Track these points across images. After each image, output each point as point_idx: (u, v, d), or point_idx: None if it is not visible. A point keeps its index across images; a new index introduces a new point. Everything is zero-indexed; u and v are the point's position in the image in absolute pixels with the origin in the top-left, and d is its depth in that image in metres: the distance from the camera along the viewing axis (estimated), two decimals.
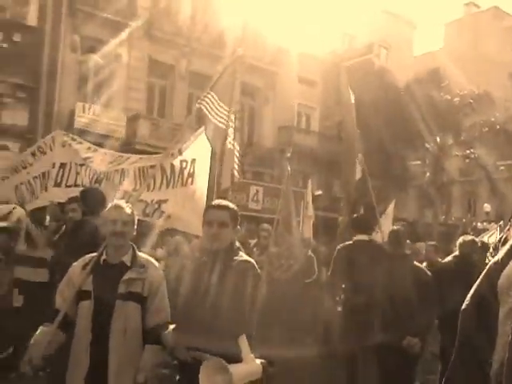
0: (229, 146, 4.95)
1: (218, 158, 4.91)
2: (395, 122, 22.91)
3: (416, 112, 22.61)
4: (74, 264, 3.47)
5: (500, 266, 1.27)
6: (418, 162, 26.42)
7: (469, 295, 1.39)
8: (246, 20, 22.05)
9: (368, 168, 7.17)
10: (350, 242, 5.81)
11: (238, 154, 5.21)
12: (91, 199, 4.75)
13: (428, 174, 26.14)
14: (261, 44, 22.70)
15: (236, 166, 5.19)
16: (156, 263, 3.60)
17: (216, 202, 3.31)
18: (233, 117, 5.02)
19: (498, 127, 23.31)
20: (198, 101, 4.76)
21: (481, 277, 1.37)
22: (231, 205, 3.21)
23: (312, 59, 24.56)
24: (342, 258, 5.71)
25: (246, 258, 3.13)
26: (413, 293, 4.67)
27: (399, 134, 22.92)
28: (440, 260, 6.76)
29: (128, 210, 3.47)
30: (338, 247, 5.90)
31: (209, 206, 3.29)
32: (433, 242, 7.78)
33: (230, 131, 5.02)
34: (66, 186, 5.94)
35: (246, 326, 2.90)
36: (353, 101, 7.29)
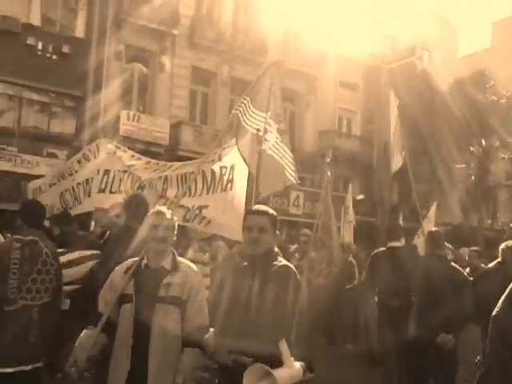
0: (269, 151, 4.98)
1: (251, 164, 4.93)
2: (439, 125, 22.49)
3: (461, 114, 22.12)
4: (117, 268, 3.58)
5: None
6: (463, 165, 25.82)
7: (500, 301, 1.39)
8: (287, 25, 22.12)
9: (412, 172, 7.10)
10: (384, 249, 6.02)
11: (289, 158, 5.22)
12: (134, 205, 4.86)
13: (473, 177, 25.52)
14: (302, 49, 22.71)
15: (289, 170, 5.21)
16: (195, 268, 3.67)
17: (255, 207, 3.35)
18: (272, 121, 5.05)
19: None
20: (235, 107, 4.83)
21: (510, 286, 1.37)
22: (270, 210, 3.25)
23: (353, 62, 24.39)
24: (375, 263, 5.86)
25: (285, 262, 3.16)
26: (447, 292, 4.83)
27: (443, 136, 22.49)
28: (483, 266, 6.62)
29: (169, 216, 3.56)
30: (373, 253, 6.07)
31: (248, 212, 3.34)
32: (476, 248, 7.61)
33: (271, 136, 5.05)
34: (110, 192, 6.09)
35: (286, 331, 2.92)
36: (396, 102, 7.24)
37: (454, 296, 4.85)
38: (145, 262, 3.52)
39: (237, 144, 4.93)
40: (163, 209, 3.67)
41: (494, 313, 1.36)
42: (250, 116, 4.85)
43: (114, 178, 6.16)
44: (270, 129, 5.00)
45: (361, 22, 24.30)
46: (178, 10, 20.65)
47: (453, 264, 5.39)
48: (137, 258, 3.56)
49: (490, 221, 26.01)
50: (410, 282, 5.20)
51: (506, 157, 25.44)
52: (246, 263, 3.20)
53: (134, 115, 19.50)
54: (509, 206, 29.24)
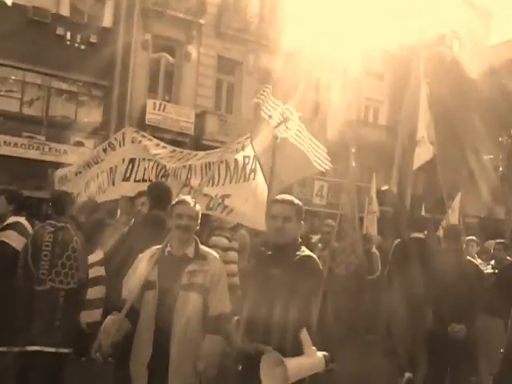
0: (291, 139, 4.98)
1: (268, 152, 4.94)
2: (469, 115, 22.11)
3: (491, 104, 21.69)
4: (140, 255, 3.64)
5: None
6: (492, 156, 25.36)
7: None
8: (313, 16, 21.93)
9: (440, 161, 7.03)
10: (405, 240, 6.11)
11: (316, 146, 5.23)
12: (158, 193, 4.93)
13: (501, 168, 25.05)
14: (328, 39, 22.50)
15: (318, 157, 5.22)
16: (217, 256, 3.72)
17: (281, 196, 3.33)
18: (293, 109, 5.04)
19: None
20: (257, 95, 4.85)
21: None
22: (296, 200, 3.25)
23: (381, 52, 24.09)
24: (396, 254, 5.96)
25: (308, 252, 3.17)
26: (460, 284, 5.07)
27: (473, 126, 22.11)
28: (509, 259, 6.54)
29: (193, 205, 3.61)
30: (394, 244, 6.14)
31: (274, 201, 3.33)
32: (502, 240, 7.50)
33: (292, 124, 5.05)
34: (135, 181, 6.15)
35: (307, 320, 2.94)
36: (427, 92, 7.17)
37: (466, 289, 5.06)
38: (168, 249, 3.57)
39: (255, 133, 4.94)
40: (187, 198, 3.72)
41: None
42: (269, 104, 4.86)
43: (138, 167, 6.22)
44: (292, 116, 5.00)
45: (388, 12, 23.94)
46: None
47: (469, 258, 5.59)
48: (160, 246, 3.61)
49: None
50: (426, 272, 5.34)
51: None
52: (269, 252, 3.23)
53: (160, 104, 19.61)
54: None
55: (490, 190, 24.64)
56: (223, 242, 6.11)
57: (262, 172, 4.88)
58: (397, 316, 6.09)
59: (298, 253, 3.11)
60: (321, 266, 3.19)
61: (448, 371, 5.34)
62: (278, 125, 4.85)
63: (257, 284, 3.11)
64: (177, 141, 16.81)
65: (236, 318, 3.21)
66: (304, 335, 2.86)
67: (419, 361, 5.76)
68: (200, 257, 3.55)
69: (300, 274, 2.97)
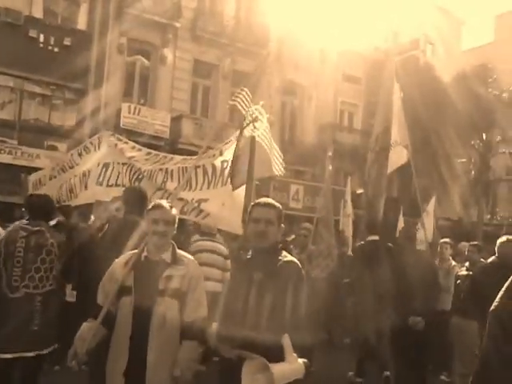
0: (257, 139, 4.99)
1: (245, 154, 4.94)
2: (441, 119, 22.46)
3: (462, 108, 22.07)
4: (116, 260, 3.60)
5: None
6: (464, 160, 25.80)
7: (499, 294, 1.40)
8: (290, 19, 22.06)
9: (414, 165, 7.11)
10: (363, 242, 6.38)
11: (275, 150, 5.25)
12: (134, 198, 4.89)
13: (473, 171, 25.50)
14: (304, 42, 22.67)
15: (275, 161, 5.24)
16: (194, 260, 3.70)
17: (262, 199, 3.32)
18: (263, 110, 5.07)
19: None
20: (232, 98, 4.86)
21: (509, 280, 1.38)
22: (277, 203, 3.26)
23: (355, 56, 24.33)
24: (356, 256, 6.21)
25: (290, 258, 3.15)
26: (417, 281, 5.51)
27: (445, 130, 22.46)
28: (482, 260, 6.65)
29: (169, 210, 3.58)
30: (353, 248, 6.39)
31: (255, 204, 3.30)
32: (475, 242, 7.63)
33: (260, 124, 5.07)
34: (108, 186, 6.08)
35: (289, 326, 2.90)
36: (400, 95, 7.24)
37: (422, 286, 5.56)
38: (145, 254, 3.54)
39: (241, 133, 4.94)
40: (163, 202, 3.68)
41: (492, 307, 1.37)
42: (247, 105, 4.87)
43: (112, 171, 6.15)
44: (261, 117, 5.02)
45: (364, 16, 24.21)
46: (180, 2, 20.64)
47: (425, 257, 6.22)
48: (136, 251, 3.58)
49: (489, 216, 26.01)
50: (383, 274, 5.58)
51: (507, 151, 25.41)
52: (249, 256, 3.21)
53: (135, 108, 19.50)
54: (508, 201, 29.23)
55: (463, 193, 25.08)
56: (207, 244, 6.12)
57: (243, 174, 4.88)
58: (365, 316, 6.22)
59: (280, 258, 3.09)
60: (303, 272, 3.18)
61: (416, 366, 5.71)
62: (247, 125, 4.86)
63: (239, 289, 3.08)
64: (152, 144, 16.69)
65: (216, 323, 3.18)
66: (286, 341, 2.85)
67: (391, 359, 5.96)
68: (177, 261, 3.52)
69: (284, 279, 2.95)
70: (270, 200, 3.30)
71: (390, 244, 6.54)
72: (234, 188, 4.91)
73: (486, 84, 24.21)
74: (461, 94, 22.44)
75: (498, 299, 1.37)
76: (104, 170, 6.15)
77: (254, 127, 4.93)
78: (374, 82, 23.74)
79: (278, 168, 5.27)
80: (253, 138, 4.89)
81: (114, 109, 19.15)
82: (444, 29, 28.54)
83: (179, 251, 3.64)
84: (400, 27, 27.10)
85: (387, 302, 5.76)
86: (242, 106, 4.81)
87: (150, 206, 3.68)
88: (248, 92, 4.81)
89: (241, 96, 4.79)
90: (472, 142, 25.04)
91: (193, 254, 5.83)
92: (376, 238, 6.56)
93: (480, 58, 27.17)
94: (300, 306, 2.98)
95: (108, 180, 6.10)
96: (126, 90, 20.17)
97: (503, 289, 1.38)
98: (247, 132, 4.90)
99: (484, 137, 25.01)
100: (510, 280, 1.37)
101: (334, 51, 23.75)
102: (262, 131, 5.04)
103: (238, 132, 5.26)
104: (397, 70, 7.80)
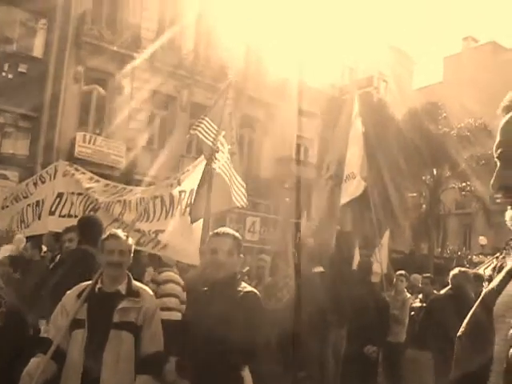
0: (218, 170, 5.00)
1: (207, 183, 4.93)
2: (393, 155, 23.07)
3: (413, 144, 22.79)
4: (68, 292, 3.48)
5: (495, 292, 1.26)
6: (415, 194, 26.51)
7: (464, 322, 1.41)
8: (248, 53, 22.45)
9: (366, 199, 7.23)
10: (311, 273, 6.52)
11: (237, 181, 5.24)
12: (88, 227, 4.77)
13: (424, 206, 26.18)
14: (262, 76, 23.05)
15: (237, 192, 5.22)
16: (150, 291, 3.63)
17: (221, 229, 3.28)
18: (224, 141, 5.08)
19: (495, 160, 23.45)
20: (193, 127, 4.86)
21: (476, 304, 1.39)
22: (236, 233, 3.23)
23: (312, 91, 24.85)
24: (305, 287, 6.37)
25: (250, 288, 3.12)
26: (372, 313, 5.79)
27: (397, 166, 23.06)
28: (435, 292, 6.78)
29: (125, 240, 3.51)
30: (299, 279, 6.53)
31: (213, 234, 3.26)
32: (428, 274, 7.80)
33: (221, 156, 5.07)
34: (60, 216, 5.96)
35: (249, 358, 2.89)
36: (362, 129, 7.41)
37: (376, 318, 5.80)
38: (99, 285, 3.44)
39: (208, 165, 4.92)
40: (119, 232, 3.61)
41: (459, 332, 1.38)
42: (213, 133, 4.88)
43: (65, 202, 6.03)
44: (222, 148, 5.04)
45: (321, 53, 24.86)
46: (139, 33, 20.68)
47: (375, 289, 6.50)
48: (90, 282, 3.48)
49: (439, 249, 26.67)
50: (329, 304, 5.85)
51: (456, 186, 26.25)
52: (206, 288, 3.15)
53: (90, 137, 19.23)
54: (457, 234, 30.12)
55: (414, 227, 25.68)
56: (171, 274, 6.03)
57: (203, 203, 4.85)
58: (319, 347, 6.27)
59: (239, 289, 3.05)
60: (262, 303, 3.14)
61: None
62: (209, 156, 4.87)
63: (196, 322, 3.01)
64: (106, 175, 16.40)
65: (174, 358, 3.09)
66: (246, 374, 2.80)
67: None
68: (133, 293, 3.44)
69: (244, 311, 2.90)
70: (228, 230, 3.27)
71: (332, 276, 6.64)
72: (193, 221, 4.87)
73: (436, 121, 25.12)
74: (412, 130, 23.21)
75: (463, 326, 1.38)
76: (58, 200, 6.02)
77: (215, 158, 4.94)
78: (329, 118, 24.31)
79: (239, 199, 5.25)
80: (212, 170, 4.89)
81: (68, 138, 18.84)
82: (397, 67, 29.63)
83: (135, 282, 3.57)
84: (355, 65, 27.98)
85: (339, 331, 5.98)
86: (203, 135, 4.81)
87: (104, 236, 3.60)
88: (209, 121, 4.83)
89: (202, 125, 4.81)
90: (423, 177, 25.77)
91: (162, 283, 5.76)
92: (321, 269, 6.63)
93: (430, 96, 28.28)
94: (260, 337, 2.94)
95: (61, 210, 5.97)
96: (82, 119, 19.90)
97: (468, 316, 1.39)
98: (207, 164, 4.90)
99: (434, 172, 25.81)
100: (474, 307, 1.39)
101: (291, 86, 24.19)
102: (223, 162, 5.05)
103: (196, 162, 5.26)
104: (350, 106, 8.00)
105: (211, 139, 4.85)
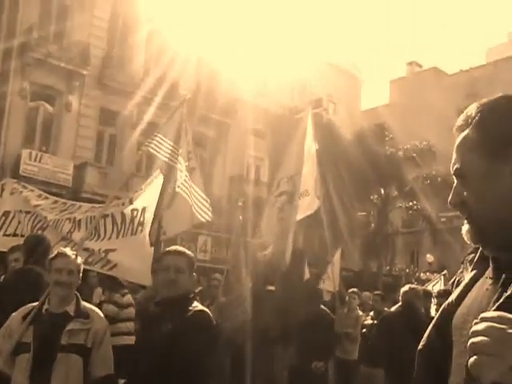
0: (177, 189, 4.95)
1: (165, 202, 4.88)
2: (342, 175, 23.51)
3: (362, 165, 23.31)
4: (13, 314, 3.33)
5: (454, 306, 1.28)
6: (364, 213, 27.05)
7: (425, 336, 1.42)
8: (199, 71, 22.48)
9: (318, 218, 7.29)
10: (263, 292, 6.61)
11: (199, 196, 5.19)
12: (35, 246, 4.60)
13: (373, 224, 26.73)
14: (214, 95, 23.11)
15: (200, 207, 5.17)
16: (100, 312, 3.51)
17: (173, 247, 3.27)
18: (182, 159, 5.05)
19: (439, 180, 24.26)
20: (145, 143, 4.80)
21: (435, 318, 1.40)
22: (188, 251, 3.20)
23: (263, 112, 25.11)
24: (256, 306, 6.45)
25: (201, 307, 3.09)
26: (318, 329, 6.00)
27: (346, 185, 23.48)
28: (386, 309, 6.87)
29: (74, 259, 3.40)
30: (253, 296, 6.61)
31: (166, 252, 3.26)
32: (378, 292, 7.91)
33: (180, 174, 5.03)
34: (5, 235, 5.74)
35: (200, 379, 2.83)
36: (316, 148, 7.51)
37: (323, 334, 6.01)
38: (46, 307, 3.31)
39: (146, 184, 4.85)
40: (67, 251, 3.50)
41: (419, 347, 1.39)
42: (168, 149, 4.83)
43: (12, 220, 5.82)
44: (180, 167, 5.00)
45: (272, 73, 25.26)
46: (88, 49, 20.37)
47: (322, 307, 6.66)
48: (36, 304, 3.33)
49: (388, 267, 27.21)
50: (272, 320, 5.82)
51: (403, 206, 26.94)
52: (158, 307, 3.09)
53: (36, 155, 18.71)
54: (405, 252, 30.86)
55: (363, 245, 26.14)
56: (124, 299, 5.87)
57: (151, 224, 4.77)
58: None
59: (190, 308, 3.00)
60: (214, 322, 3.10)
61: None
62: (167, 172, 4.82)
63: (147, 343, 2.93)
64: (53, 193, 15.93)
65: (122, 381, 3.00)
66: None
67: None
68: (82, 314, 3.32)
69: (194, 330, 2.86)
70: (180, 248, 3.26)
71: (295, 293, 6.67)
72: (151, 244, 4.79)
73: (383, 142, 25.81)
74: (360, 151, 23.76)
75: (424, 339, 1.39)
76: (4, 218, 5.79)
77: (175, 176, 4.88)
78: (280, 137, 24.56)
79: (203, 214, 5.20)
80: (170, 187, 4.84)
81: (13, 155, 18.29)
82: (345, 89, 30.38)
83: (84, 303, 3.44)
84: (304, 86, 28.49)
85: (288, 347, 6.03)
86: (158, 152, 4.74)
87: (52, 255, 3.47)
88: (163, 138, 4.78)
89: (155, 142, 4.74)
90: (371, 197, 26.34)
91: (125, 307, 5.61)
92: (272, 288, 6.67)
93: (377, 118, 29.10)
94: (211, 357, 2.89)
95: (6, 229, 5.74)
96: (28, 136, 19.36)
97: (428, 329, 1.40)
98: (159, 182, 4.84)
99: (382, 192, 26.43)
100: (434, 321, 1.40)
101: (243, 105, 24.38)
102: (182, 181, 5.00)
103: (149, 180, 5.18)
104: (300, 126, 8.09)
105: (167, 155, 4.79)
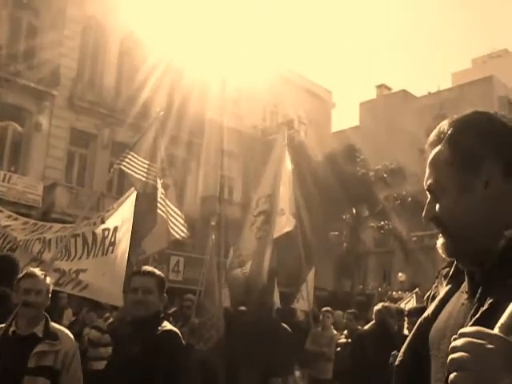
0: (158, 207, 4.91)
1: (141, 220, 4.83)
2: (314, 195, 23.66)
3: (333, 185, 23.53)
4: None
5: (430, 321, 1.28)
6: (336, 233, 27.22)
7: (401, 350, 1.41)
8: (171, 92, 22.48)
9: (292, 236, 7.30)
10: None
11: (174, 213, 5.15)
12: (2, 266, 4.48)
13: (345, 244, 26.91)
14: (185, 116, 23.10)
15: (175, 224, 5.12)
16: (70, 333, 3.41)
17: (142, 268, 3.25)
18: (157, 176, 5.02)
19: (409, 199, 24.62)
20: (117, 162, 4.75)
21: (411, 333, 1.40)
22: (157, 271, 3.17)
23: (235, 132, 25.22)
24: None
25: (170, 327, 3.06)
26: (277, 346, 5.78)
27: (318, 205, 23.62)
28: (360, 328, 6.87)
29: (42, 279, 3.32)
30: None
31: (134, 273, 3.24)
32: (352, 310, 7.92)
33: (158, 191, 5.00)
34: None
35: None
36: (291, 167, 7.56)
37: (281, 350, 5.82)
38: (13, 328, 3.20)
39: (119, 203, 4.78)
40: (36, 271, 3.41)
41: (396, 363, 1.38)
42: (142, 167, 4.79)
43: None
44: (156, 184, 4.96)
45: (244, 95, 25.45)
46: (59, 70, 20.21)
47: (283, 324, 6.41)
48: (3, 325, 3.23)
49: (361, 286, 27.35)
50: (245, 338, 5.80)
51: (375, 225, 27.22)
52: (128, 329, 3.04)
53: (5, 175, 18.36)
54: (378, 271, 31.08)
55: (336, 265, 26.27)
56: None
57: (125, 242, 4.69)
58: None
59: (159, 328, 2.97)
60: (183, 341, 3.06)
61: None
62: (143, 189, 4.77)
63: (116, 365, 2.87)
64: (22, 214, 15.63)
65: None
66: None
67: None
68: (50, 336, 3.23)
69: (161, 350, 2.82)
70: (149, 268, 3.24)
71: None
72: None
73: (354, 163, 26.13)
74: (332, 171, 24.02)
75: (401, 355, 1.38)
76: None
77: (154, 193, 4.85)
78: (251, 158, 24.69)
79: (178, 231, 5.16)
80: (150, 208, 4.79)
81: None
82: (316, 111, 30.77)
83: (53, 324, 3.35)
84: (276, 108, 28.77)
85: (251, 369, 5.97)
86: (131, 170, 4.70)
87: (21, 275, 3.39)
88: (136, 156, 4.74)
89: (127, 160, 4.70)
90: (343, 216, 26.54)
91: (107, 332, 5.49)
92: (243, 308, 6.65)
93: (348, 139, 29.48)
94: (179, 378, 2.84)
95: None
96: None
97: (404, 345, 1.39)
98: (132, 199, 4.79)
99: (354, 211, 26.68)
100: (410, 337, 1.39)
101: (216, 126, 24.45)
102: (158, 198, 4.96)
103: (121, 199, 5.12)
104: (271, 147, 8.16)
105: (142, 173, 4.76)
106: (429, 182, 1.23)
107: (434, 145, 1.25)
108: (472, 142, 1.16)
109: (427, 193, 1.25)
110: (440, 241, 1.22)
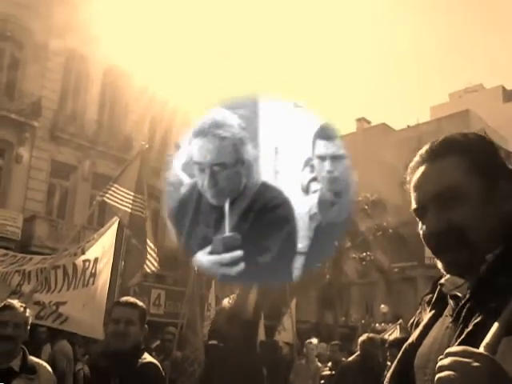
0: (132, 240, 4.90)
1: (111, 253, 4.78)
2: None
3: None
4: None
5: (415, 347, 1.28)
6: (319, 265, 27.14)
7: (387, 377, 1.41)
8: (153, 125, 22.58)
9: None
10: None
11: (148, 246, 5.14)
12: None
13: (328, 276, 26.85)
14: (167, 148, 23.13)
15: (148, 257, 5.10)
16: (48, 367, 3.33)
17: (124, 298, 3.22)
18: (143, 208, 5.02)
19: (390, 231, 24.78)
20: (100, 194, 4.74)
21: (397, 359, 1.40)
22: (139, 303, 3.14)
23: None
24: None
25: (150, 359, 3.02)
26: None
27: None
28: (344, 359, 6.82)
29: (22, 311, 3.24)
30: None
31: (116, 303, 3.21)
32: (336, 342, 7.86)
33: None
34: None
35: None
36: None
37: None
38: None
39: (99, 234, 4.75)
40: (15, 302, 3.34)
41: None
42: (126, 198, 4.77)
43: None
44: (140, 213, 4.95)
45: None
46: (40, 101, 20.19)
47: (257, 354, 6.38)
48: None
49: (344, 318, 27.20)
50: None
51: (357, 256, 27.25)
52: (108, 361, 2.98)
53: None
54: (360, 303, 31.00)
55: (319, 297, 26.13)
56: None
57: (106, 273, 4.65)
58: None
59: (139, 360, 2.93)
60: (163, 374, 3.01)
61: None
62: (128, 221, 4.75)
63: None
64: (1, 246, 15.39)
65: None
66: None
67: None
68: (28, 370, 3.15)
69: (141, 382, 2.79)
70: (131, 299, 3.21)
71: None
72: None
73: None
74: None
75: (387, 380, 1.38)
76: None
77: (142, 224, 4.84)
78: None
79: (150, 265, 5.13)
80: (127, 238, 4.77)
81: None
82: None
83: (31, 358, 3.27)
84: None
85: None
86: (112, 201, 4.68)
87: None
88: (119, 187, 4.73)
89: (110, 192, 4.69)
90: None
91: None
92: (214, 342, 6.60)
93: None
94: None
95: None
96: None
97: (392, 368, 1.39)
98: (114, 229, 4.76)
99: (336, 243, 26.69)
100: (397, 358, 1.39)
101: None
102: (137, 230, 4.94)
103: (101, 229, 5.09)
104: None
105: (128, 204, 4.74)
106: (437, 190, 1.20)
107: (413, 170, 1.26)
108: (490, 152, 1.21)
109: (430, 204, 1.21)
110: (447, 257, 1.19)
